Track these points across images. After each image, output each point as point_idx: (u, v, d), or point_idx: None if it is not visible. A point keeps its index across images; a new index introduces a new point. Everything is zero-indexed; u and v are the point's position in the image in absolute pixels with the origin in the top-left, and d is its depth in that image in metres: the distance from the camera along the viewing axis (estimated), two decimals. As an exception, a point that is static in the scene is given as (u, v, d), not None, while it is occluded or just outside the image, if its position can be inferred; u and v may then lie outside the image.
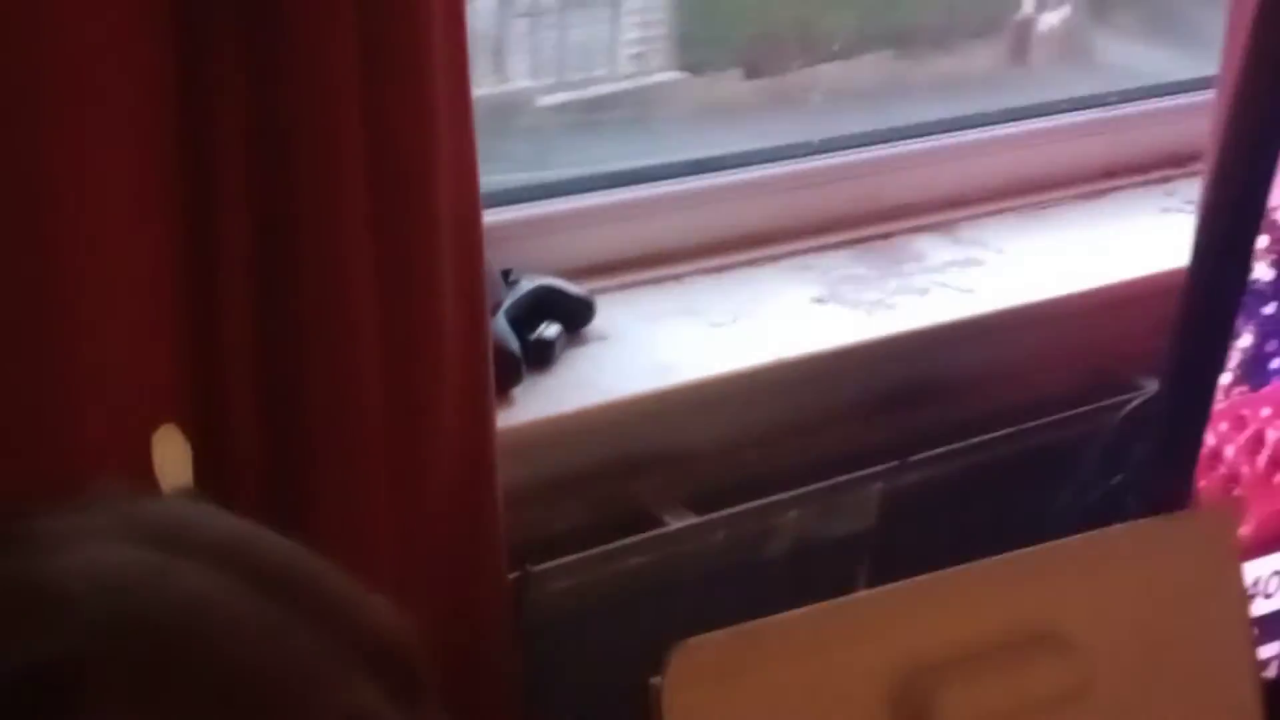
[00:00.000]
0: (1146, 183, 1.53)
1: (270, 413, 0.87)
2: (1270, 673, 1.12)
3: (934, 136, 1.47)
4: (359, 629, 0.43)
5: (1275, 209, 0.97)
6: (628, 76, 1.45)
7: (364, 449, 0.89)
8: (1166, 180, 1.54)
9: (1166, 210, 1.48)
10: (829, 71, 1.53)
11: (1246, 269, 0.97)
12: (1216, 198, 0.95)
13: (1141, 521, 1.02)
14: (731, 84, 1.51)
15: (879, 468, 1.20)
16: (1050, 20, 1.79)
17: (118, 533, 0.43)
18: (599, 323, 1.22)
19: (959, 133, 1.49)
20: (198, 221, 0.83)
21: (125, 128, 0.79)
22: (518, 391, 1.11)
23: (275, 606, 0.41)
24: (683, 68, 1.47)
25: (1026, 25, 1.75)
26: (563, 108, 1.40)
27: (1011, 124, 1.52)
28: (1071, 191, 1.51)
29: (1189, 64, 1.95)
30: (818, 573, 1.16)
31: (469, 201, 0.92)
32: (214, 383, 0.85)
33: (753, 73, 1.50)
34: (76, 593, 0.39)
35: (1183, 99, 1.56)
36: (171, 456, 0.81)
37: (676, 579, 1.12)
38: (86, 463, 0.79)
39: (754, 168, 1.39)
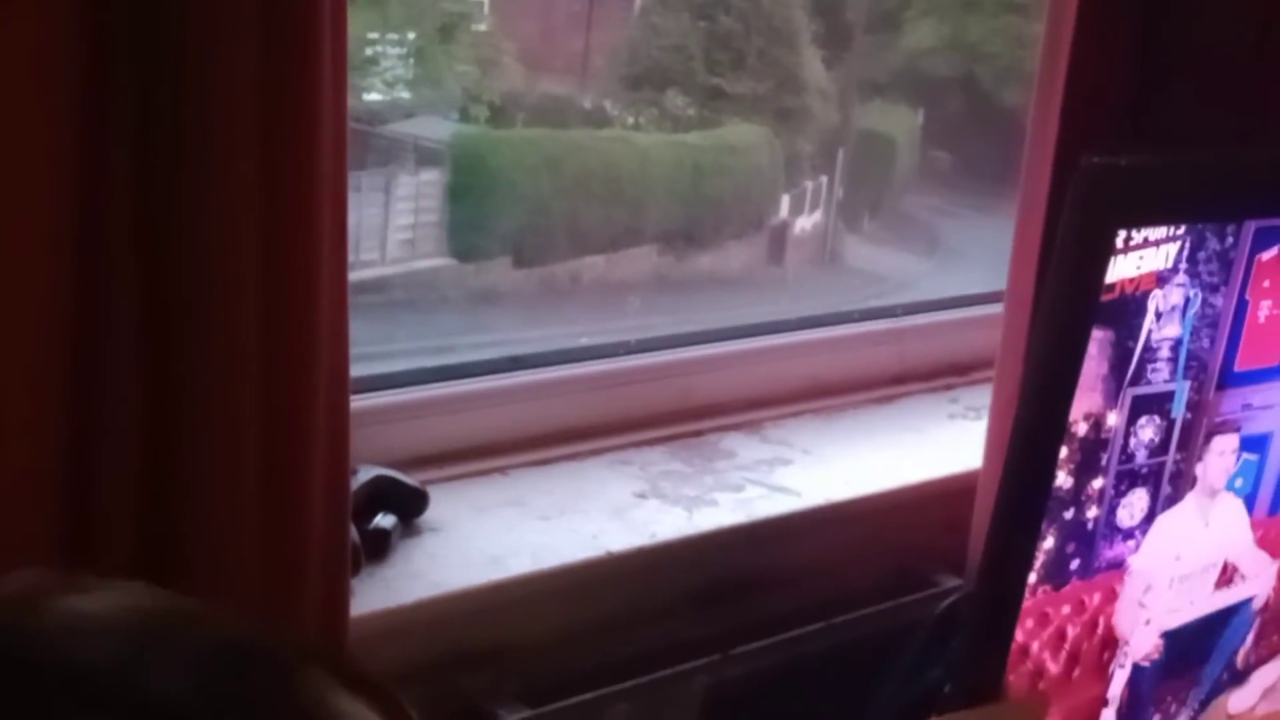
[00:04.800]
0: (932, 389, 1.64)
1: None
2: None
3: (738, 340, 1.55)
4: None
5: (1074, 423, 1.05)
6: (397, 261, 1.48)
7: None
8: (950, 388, 1.65)
9: (952, 416, 1.59)
10: (594, 264, 1.59)
11: (1050, 477, 1.05)
12: (1023, 414, 1.03)
13: (958, 714, 1.08)
14: (500, 272, 1.56)
15: (702, 661, 1.24)
16: (804, 225, 1.92)
17: None
18: (431, 513, 1.24)
19: (761, 337, 1.57)
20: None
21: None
22: (355, 583, 1.11)
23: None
24: (452, 254, 1.51)
25: (782, 229, 1.87)
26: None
27: (809, 330, 1.61)
28: (865, 396, 1.60)
29: (930, 268, 2.10)
30: (646, 764, 1.18)
31: (340, 388, 0.94)
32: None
33: (521, 262, 1.55)
34: None
35: (964, 313, 1.68)
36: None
37: (511, 773, 1.13)
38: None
39: (571, 365, 1.44)
